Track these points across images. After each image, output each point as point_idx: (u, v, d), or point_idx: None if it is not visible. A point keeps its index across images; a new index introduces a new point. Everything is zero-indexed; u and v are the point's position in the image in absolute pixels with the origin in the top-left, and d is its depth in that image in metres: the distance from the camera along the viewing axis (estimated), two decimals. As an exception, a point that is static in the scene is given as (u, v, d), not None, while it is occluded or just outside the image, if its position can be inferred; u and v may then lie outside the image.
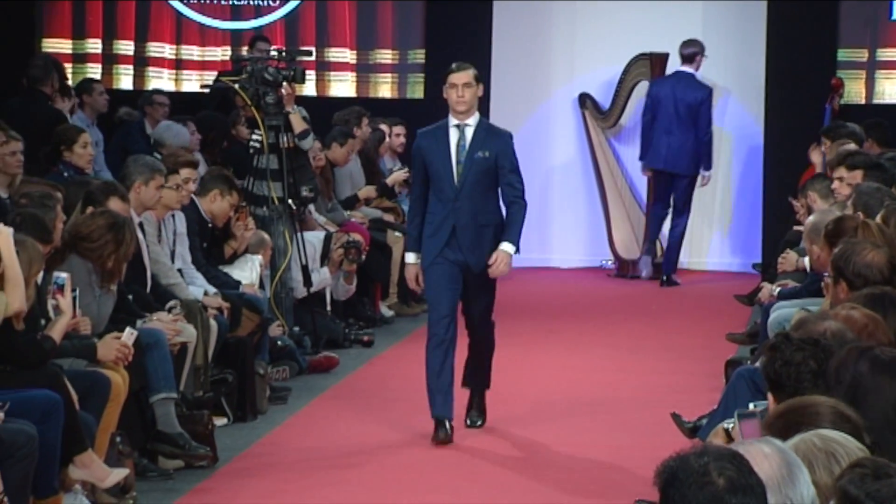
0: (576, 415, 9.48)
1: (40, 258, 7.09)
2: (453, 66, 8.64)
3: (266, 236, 10.56)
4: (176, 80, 15.61)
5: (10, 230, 6.83)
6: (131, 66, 15.60)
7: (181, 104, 13.49)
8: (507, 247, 8.53)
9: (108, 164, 11.72)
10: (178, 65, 15.64)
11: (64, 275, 7.28)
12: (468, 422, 8.92)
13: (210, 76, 14.85)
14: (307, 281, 10.99)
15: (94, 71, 15.32)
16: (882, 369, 4.27)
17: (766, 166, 15.11)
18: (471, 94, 8.52)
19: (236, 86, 10.98)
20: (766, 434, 3.66)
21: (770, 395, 4.59)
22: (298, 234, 10.91)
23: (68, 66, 15.27)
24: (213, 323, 8.93)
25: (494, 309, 8.87)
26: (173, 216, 9.41)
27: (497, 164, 8.50)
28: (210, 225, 9.95)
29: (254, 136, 10.98)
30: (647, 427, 8.93)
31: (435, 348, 8.51)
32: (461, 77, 8.51)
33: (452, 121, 8.58)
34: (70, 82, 13.19)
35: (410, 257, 8.76)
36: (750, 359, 8.88)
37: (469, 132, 8.53)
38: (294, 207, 10.88)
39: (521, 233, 8.62)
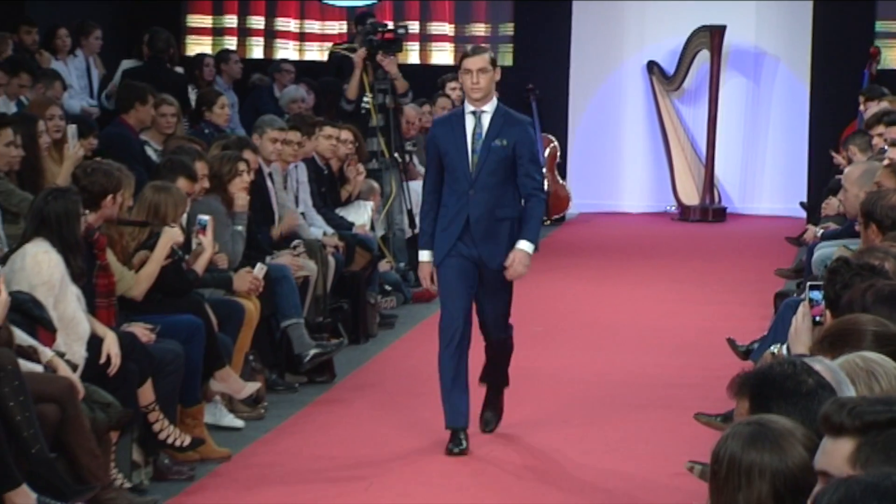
0: (643, 339, 9.44)
1: (184, 201, 7.14)
2: (468, 49, 7.08)
3: (375, 184, 10.58)
4: (300, 50, 15.62)
5: (177, 231, 6.89)
6: (262, 39, 15.63)
7: (304, 71, 13.52)
8: (524, 245, 6.84)
9: (242, 123, 11.77)
10: (302, 37, 15.65)
11: (206, 217, 7.34)
12: (482, 425, 7.23)
13: (329, 46, 14.85)
14: (412, 223, 10.99)
15: (231, 43, 15.35)
16: (883, 300, 4.16)
17: (812, 124, 14.92)
18: (486, 80, 6.83)
19: (353, 55, 11.00)
20: (817, 347, 3.64)
21: (828, 312, 4.51)
22: (404, 183, 10.92)
23: (208, 39, 15.37)
24: (330, 259, 8.97)
25: (512, 312, 7.17)
26: (296, 167, 9.44)
27: (515, 153, 6.81)
28: (326, 172, 9.97)
29: (364, 99, 10.98)
30: (706, 350, 8.87)
31: (447, 354, 6.91)
32: (476, 62, 6.84)
33: (468, 107, 6.91)
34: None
35: (424, 255, 6.95)
36: (796, 291, 8.77)
37: (486, 119, 6.86)
38: (400, 160, 10.88)
39: (539, 229, 6.97)
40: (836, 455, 2.55)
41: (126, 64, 11.84)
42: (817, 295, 4.53)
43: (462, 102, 13.21)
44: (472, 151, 6.82)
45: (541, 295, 10.92)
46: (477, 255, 6.84)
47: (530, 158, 6.88)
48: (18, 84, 9.39)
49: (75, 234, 6.11)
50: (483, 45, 7.05)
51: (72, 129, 7.88)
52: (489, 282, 6.91)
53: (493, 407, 7.28)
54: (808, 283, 4.64)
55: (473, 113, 6.89)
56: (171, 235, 6.90)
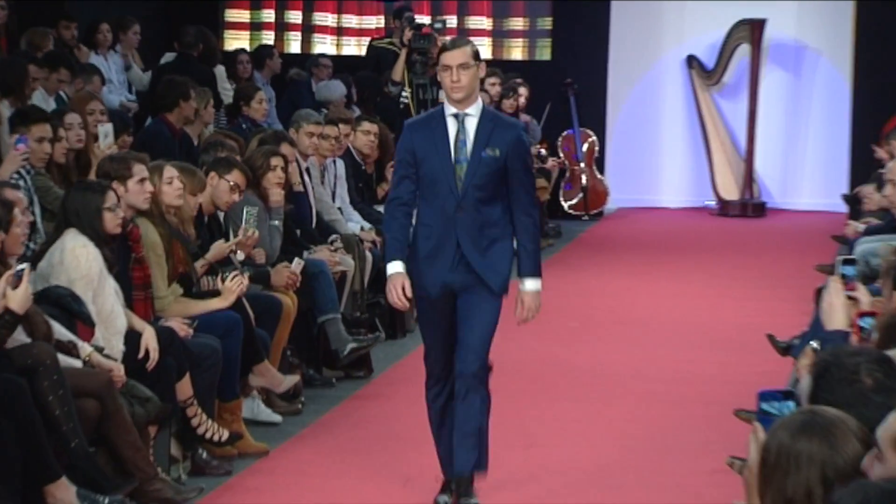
0: (682, 335, 9.41)
1: (202, 184, 7.14)
2: (447, 42, 6.01)
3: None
4: (337, 44, 15.63)
5: (234, 289, 6.85)
6: (299, 33, 15.65)
7: (342, 66, 13.53)
8: (533, 285, 5.89)
9: (279, 118, 11.78)
10: (339, 32, 15.66)
11: (254, 210, 7.41)
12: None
13: (366, 41, 14.84)
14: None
15: (268, 37, 15.39)
16: None
17: (854, 118, 14.83)
18: (469, 77, 5.80)
19: (403, 51, 11.08)
20: (879, 327, 3.64)
21: (893, 292, 4.48)
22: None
23: (246, 34, 15.40)
24: (368, 254, 8.98)
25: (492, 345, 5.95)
26: (334, 162, 9.44)
27: (507, 164, 5.81)
28: (363, 168, 9.97)
29: (403, 94, 11.00)
30: (745, 346, 8.83)
31: (437, 394, 6.07)
32: (456, 56, 5.81)
33: (449, 109, 5.87)
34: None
35: (395, 266, 5.83)
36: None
37: (471, 124, 5.84)
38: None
39: (540, 254, 5.97)
40: None
41: (167, 57, 11.87)
42: (850, 271, 4.53)
43: (497, 101, 13.13)
44: (456, 161, 5.81)
45: (578, 290, 10.90)
46: (472, 282, 5.82)
47: (525, 170, 5.89)
48: (58, 79, 9.45)
49: (95, 227, 6.11)
50: (462, 38, 6.09)
51: (105, 128, 7.86)
52: (472, 301, 5.85)
53: (465, 489, 5.97)
54: (842, 259, 4.62)
55: (456, 116, 5.84)
56: (230, 293, 6.85)
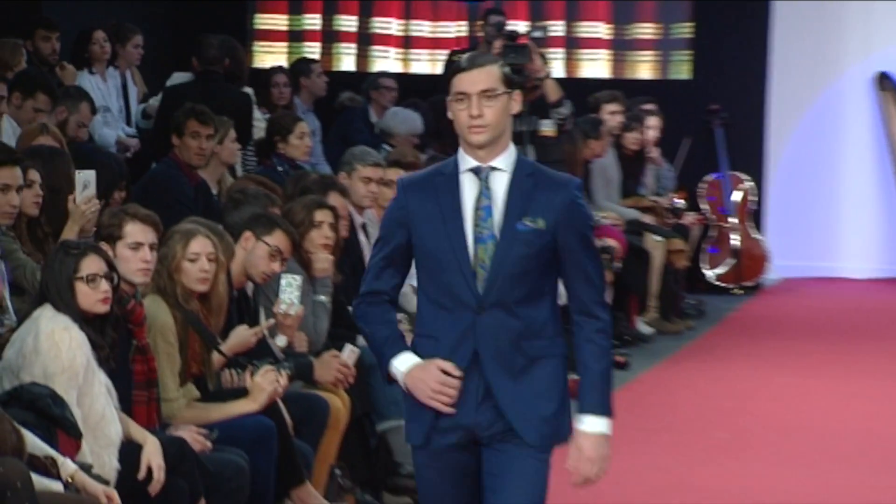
0: (871, 453, 9.34)
1: (230, 250, 7.19)
2: (463, 60, 5.15)
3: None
4: (404, 60, 15.76)
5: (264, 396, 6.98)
6: (354, 45, 15.79)
7: (410, 87, 13.60)
8: (597, 425, 5.04)
9: (327, 157, 11.85)
10: (407, 42, 15.79)
11: (297, 280, 7.48)
12: None
13: (442, 55, 14.96)
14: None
15: (312, 50, 15.53)
16: None
17: None
18: (496, 112, 5.04)
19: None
20: None
21: None
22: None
23: (283, 46, 15.57)
24: (444, 339, 9.00)
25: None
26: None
27: (558, 239, 5.03)
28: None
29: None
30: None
31: None
32: (476, 79, 5.05)
33: (467, 162, 5.10)
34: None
35: (405, 359, 5.07)
36: None
37: (499, 183, 5.07)
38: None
39: (612, 382, 5.10)
40: None
41: (176, 78, 11.80)
42: None
43: (618, 134, 12.94)
44: (477, 240, 5.04)
45: (726, 389, 10.86)
46: (488, 424, 5.06)
47: (585, 248, 5.09)
48: (33, 107, 9.40)
49: (68, 302, 6.14)
50: (486, 54, 5.27)
51: (85, 175, 7.60)
52: (509, 456, 5.11)
53: None
54: None
55: (476, 172, 5.09)
56: (260, 392, 6.93)
